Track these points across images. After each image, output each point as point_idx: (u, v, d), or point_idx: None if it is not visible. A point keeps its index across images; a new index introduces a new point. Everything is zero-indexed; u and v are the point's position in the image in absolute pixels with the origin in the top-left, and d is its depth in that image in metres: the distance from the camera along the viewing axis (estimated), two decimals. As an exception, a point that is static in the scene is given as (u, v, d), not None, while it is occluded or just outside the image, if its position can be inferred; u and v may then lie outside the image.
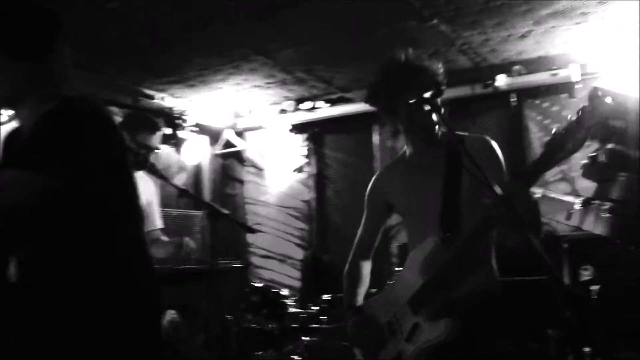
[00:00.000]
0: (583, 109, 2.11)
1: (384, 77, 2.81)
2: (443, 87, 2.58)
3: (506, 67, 5.83)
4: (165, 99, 6.74)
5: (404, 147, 2.92)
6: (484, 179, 2.16)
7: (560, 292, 1.94)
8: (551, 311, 4.00)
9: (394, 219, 3.10)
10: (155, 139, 4.19)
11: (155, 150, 4.19)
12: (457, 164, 2.62)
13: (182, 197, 6.75)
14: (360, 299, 2.95)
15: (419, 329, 2.52)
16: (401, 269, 2.80)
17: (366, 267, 3.11)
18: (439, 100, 2.62)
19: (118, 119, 4.60)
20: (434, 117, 2.62)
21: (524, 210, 2.19)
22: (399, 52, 2.76)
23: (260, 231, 4.68)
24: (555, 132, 2.17)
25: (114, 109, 6.30)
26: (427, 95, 2.55)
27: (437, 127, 2.67)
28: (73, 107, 1.92)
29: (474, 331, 2.47)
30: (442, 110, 2.59)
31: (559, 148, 2.16)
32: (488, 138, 2.75)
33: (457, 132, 2.57)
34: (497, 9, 4.57)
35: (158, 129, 4.27)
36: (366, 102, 2.93)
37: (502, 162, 2.67)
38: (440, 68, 2.72)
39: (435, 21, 4.80)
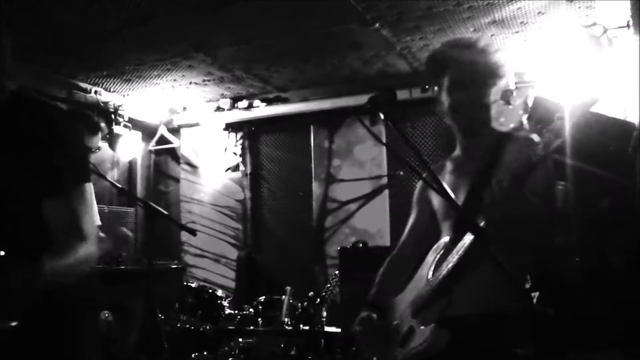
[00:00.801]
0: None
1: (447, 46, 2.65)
2: (395, 95, 2.45)
3: (444, 73, 5.87)
4: (100, 93, 6.59)
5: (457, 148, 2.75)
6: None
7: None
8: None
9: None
10: (96, 139, 4.10)
11: (95, 151, 4.10)
12: (490, 161, 2.47)
13: (121, 195, 6.70)
14: (382, 298, 2.81)
15: (412, 334, 2.46)
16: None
17: (402, 269, 2.89)
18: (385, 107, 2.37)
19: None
20: (486, 117, 2.53)
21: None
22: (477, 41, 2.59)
23: (195, 232, 4.59)
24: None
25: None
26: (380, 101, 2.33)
27: (485, 129, 2.55)
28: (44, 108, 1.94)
29: (462, 344, 2.34)
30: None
31: None
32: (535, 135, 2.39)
33: (504, 130, 2.51)
34: (439, 15, 4.62)
35: (99, 129, 4.18)
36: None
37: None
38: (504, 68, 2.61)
39: (377, 25, 4.82)
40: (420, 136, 6.33)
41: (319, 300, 5.03)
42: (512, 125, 2.54)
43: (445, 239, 2.55)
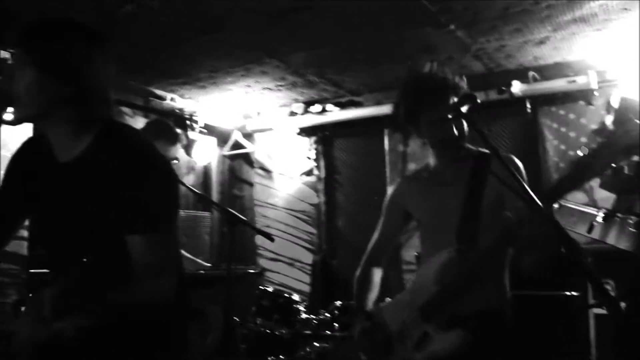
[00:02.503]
0: (614, 132, 2.06)
1: (409, 93, 2.84)
2: (477, 101, 2.52)
3: (521, 73, 5.76)
4: (175, 100, 6.71)
5: (429, 158, 2.93)
6: (518, 194, 2.12)
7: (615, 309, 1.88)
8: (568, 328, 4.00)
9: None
10: (175, 149, 4.17)
11: (174, 161, 4.16)
12: (481, 179, 2.64)
13: (198, 200, 6.80)
14: (370, 305, 2.94)
15: (429, 339, 2.52)
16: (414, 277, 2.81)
17: (377, 273, 3.10)
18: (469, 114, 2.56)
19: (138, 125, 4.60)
20: (461, 131, 2.66)
21: (546, 230, 2.16)
22: (423, 66, 2.80)
23: (272, 237, 4.65)
24: (584, 152, 2.13)
25: (127, 111, 6.31)
26: (463, 109, 2.49)
27: (461, 141, 2.71)
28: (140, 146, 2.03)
29: (482, 346, 2.47)
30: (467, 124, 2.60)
31: (587, 168, 2.12)
32: (513, 157, 2.74)
33: (483, 150, 2.66)
34: (516, 15, 4.51)
35: (178, 139, 4.25)
36: (393, 115, 2.93)
37: (525, 180, 2.62)
38: (463, 81, 2.75)
39: (452, 27, 4.75)
40: (496, 138, 6.21)
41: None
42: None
43: (450, 249, 2.60)
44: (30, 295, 1.92)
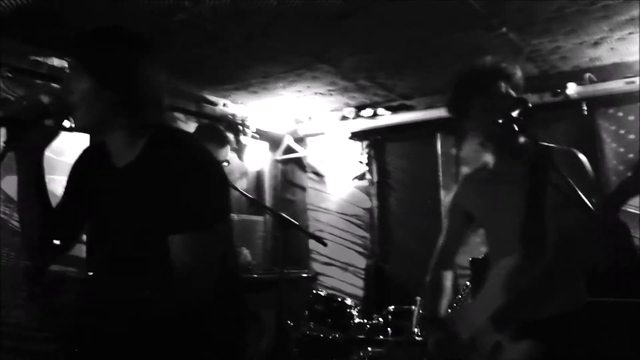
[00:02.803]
0: None
1: (460, 80, 2.75)
2: (528, 105, 2.44)
3: (577, 75, 5.66)
4: (227, 105, 6.78)
5: (486, 157, 2.81)
6: (576, 195, 2.07)
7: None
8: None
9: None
10: (224, 152, 4.22)
11: (225, 164, 4.21)
12: (542, 177, 2.52)
13: (252, 206, 6.87)
14: (442, 311, 2.89)
15: (501, 349, 2.45)
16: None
17: (448, 277, 3.03)
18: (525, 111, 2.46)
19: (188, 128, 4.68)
20: (518, 128, 2.50)
21: (614, 231, 2.11)
22: (479, 60, 2.70)
23: (325, 242, 4.67)
24: None
25: (180, 116, 6.40)
26: (514, 114, 2.39)
27: (520, 138, 2.59)
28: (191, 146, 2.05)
29: (557, 354, 2.38)
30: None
31: None
32: (576, 151, 2.63)
33: (544, 144, 2.51)
34: (570, 15, 4.43)
35: (227, 142, 4.30)
36: (448, 112, 2.86)
37: (591, 177, 2.55)
38: (518, 71, 2.68)
39: (504, 29, 4.69)
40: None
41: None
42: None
43: (517, 254, 2.52)
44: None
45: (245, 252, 5.14)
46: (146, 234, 2.00)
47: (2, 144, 1.99)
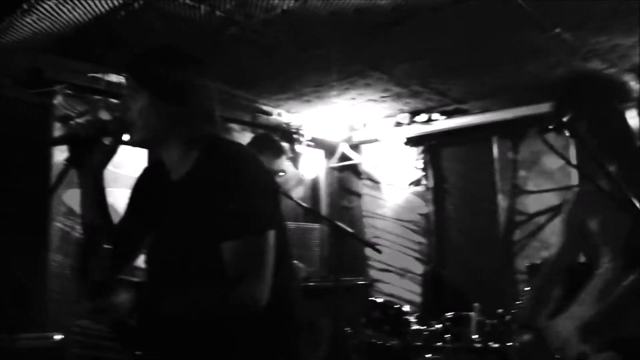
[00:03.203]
0: None
1: (567, 92, 2.65)
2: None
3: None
4: (281, 115, 6.85)
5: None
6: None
7: None
8: None
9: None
10: (280, 161, 4.25)
11: (280, 174, 4.24)
12: None
13: (307, 215, 6.91)
14: (539, 320, 2.84)
15: None
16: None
17: (554, 288, 2.90)
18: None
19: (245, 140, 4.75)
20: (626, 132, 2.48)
21: None
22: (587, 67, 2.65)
23: (379, 250, 4.68)
24: None
25: (235, 127, 6.49)
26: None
27: (629, 143, 2.51)
28: (240, 154, 2.11)
29: None
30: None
31: None
32: None
33: None
34: (628, 12, 4.29)
35: (283, 152, 4.33)
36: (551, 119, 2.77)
37: None
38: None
39: (558, 30, 4.62)
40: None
41: (508, 317, 4.88)
42: None
43: (615, 265, 2.46)
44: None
45: (300, 265, 5.16)
46: (200, 244, 2.04)
47: (64, 161, 2.09)
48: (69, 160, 2.10)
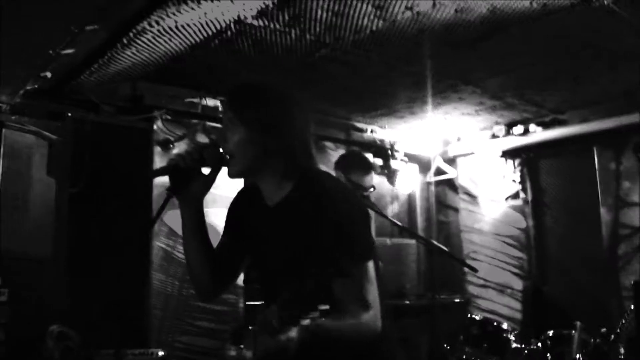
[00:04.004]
0: None
1: None
2: None
3: None
4: (375, 131, 6.89)
5: None
6: None
7: None
8: None
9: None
10: (369, 178, 4.28)
11: (370, 190, 4.28)
12: None
13: (403, 234, 6.91)
14: None
15: None
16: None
17: None
18: None
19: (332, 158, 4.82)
20: None
21: None
22: None
23: (476, 269, 4.64)
24: None
25: (330, 145, 6.57)
26: None
27: None
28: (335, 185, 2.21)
29: None
30: None
31: None
32: None
33: None
34: None
35: (372, 168, 4.37)
36: None
37: None
38: None
39: (655, 36, 4.47)
40: None
41: (613, 337, 4.72)
42: None
43: None
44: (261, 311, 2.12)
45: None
46: (297, 267, 2.09)
47: (166, 191, 2.19)
48: (170, 190, 2.21)
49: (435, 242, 4.57)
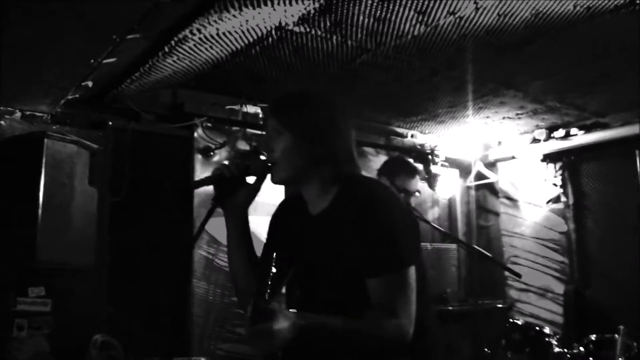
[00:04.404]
0: None
1: None
2: None
3: None
4: (415, 136, 6.87)
5: None
6: None
7: None
8: None
9: None
10: (414, 182, 4.29)
11: (416, 194, 4.27)
12: None
13: (446, 240, 6.88)
14: None
15: None
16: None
17: None
18: None
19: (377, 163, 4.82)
20: None
21: None
22: None
23: (520, 275, 4.59)
24: None
25: (370, 150, 6.56)
26: None
27: None
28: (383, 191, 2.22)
29: None
30: None
31: None
32: None
33: None
34: None
35: (417, 173, 4.36)
36: None
37: None
38: None
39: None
40: None
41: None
42: None
43: None
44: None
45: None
46: (342, 277, 2.13)
47: (210, 201, 2.22)
48: (215, 200, 2.22)
49: (478, 248, 4.53)
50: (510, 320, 5.43)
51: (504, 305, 7.05)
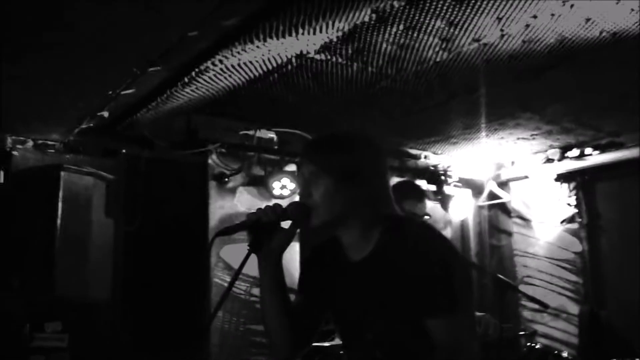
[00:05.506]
0: None
1: None
2: None
3: None
4: (428, 157, 6.82)
5: None
6: None
7: None
8: None
9: None
10: (423, 206, 4.24)
11: (424, 217, 4.22)
12: None
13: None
14: None
15: None
16: None
17: None
18: None
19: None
20: None
21: None
22: None
23: (547, 305, 4.53)
24: None
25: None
26: None
27: None
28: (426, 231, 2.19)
29: None
30: None
31: None
32: None
33: None
34: None
35: (425, 196, 4.33)
36: None
37: None
38: None
39: None
40: None
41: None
42: None
43: None
44: None
45: (487, 317, 5.03)
46: (398, 320, 2.10)
47: (247, 247, 2.15)
48: (251, 246, 2.15)
49: (504, 278, 4.45)
50: (528, 344, 5.36)
51: (527, 332, 6.95)
